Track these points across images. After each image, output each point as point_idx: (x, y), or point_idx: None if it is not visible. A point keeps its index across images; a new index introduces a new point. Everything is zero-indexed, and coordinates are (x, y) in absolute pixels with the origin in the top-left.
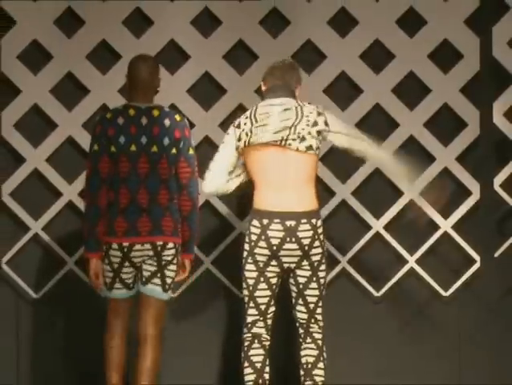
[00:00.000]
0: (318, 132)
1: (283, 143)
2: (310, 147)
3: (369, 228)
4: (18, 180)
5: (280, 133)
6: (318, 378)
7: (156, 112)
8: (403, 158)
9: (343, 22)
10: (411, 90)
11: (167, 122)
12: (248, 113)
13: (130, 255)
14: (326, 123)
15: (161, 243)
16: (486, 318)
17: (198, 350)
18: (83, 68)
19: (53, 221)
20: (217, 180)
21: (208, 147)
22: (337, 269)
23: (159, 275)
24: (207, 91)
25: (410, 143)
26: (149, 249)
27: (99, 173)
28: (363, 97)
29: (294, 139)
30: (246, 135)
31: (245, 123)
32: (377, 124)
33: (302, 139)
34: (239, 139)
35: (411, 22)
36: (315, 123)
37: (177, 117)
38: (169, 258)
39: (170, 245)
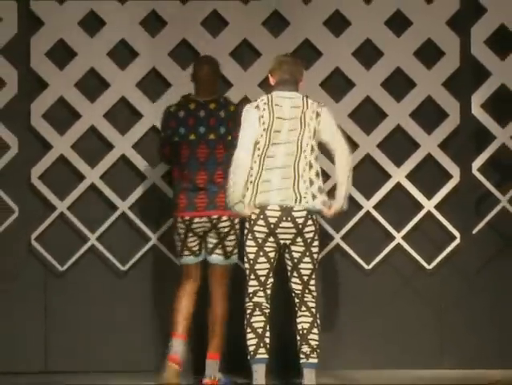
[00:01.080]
0: (319, 123)
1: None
2: (310, 138)
3: (360, 207)
4: (46, 164)
5: (291, 123)
6: (312, 342)
7: (212, 105)
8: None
9: (337, 23)
10: (398, 84)
11: (222, 113)
12: (264, 100)
13: (191, 227)
14: (322, 117)
15: (216, 216)
16: (465, 288)
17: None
18: (104, 64)
19: (77, 202)
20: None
21: None
22: (332, 244)
23: (220, 246)
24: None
25: (397, 132)
26: (206, 222)
27: (165, 156)
28: (355, 90)
29: (295, 129)
30: (263, 122)
31: (263, 109)
32: (368, 114)
33: (305, 126)
34: (260, 121)
35: (398, 23)
36: (318, 115)
37: (231, 108)
38: (226, 230)
39: (224, 218)
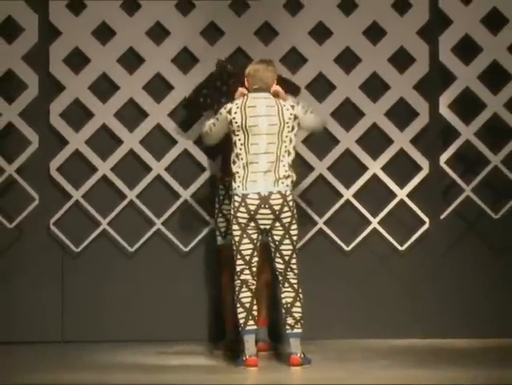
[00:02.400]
0: (295, 117)
1: (270, 128)
2: (290, 131)
3: (341, 196)
4: (63, 158)
5: (270, 119)
6: (296, 315)
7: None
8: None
9: (320, 33)
10: (374, 87)
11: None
12: (238, 104)
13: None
14: (296, 112)
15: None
16: (434, 267)
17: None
18: (115, 69)
19: (90, 191)
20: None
21: None
22: (315, 228)
23: None
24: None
25: (374, 129)
26: None
27: None
28: (336, 92)
29: (275, 124)
30: (236, 122)
31: (235, 112)
32: (347, 114)
33: (285, 124)
34: (230, 123)
35: (374, 32)
36: (296, 117)
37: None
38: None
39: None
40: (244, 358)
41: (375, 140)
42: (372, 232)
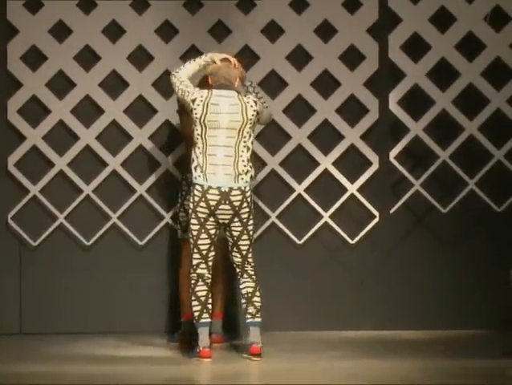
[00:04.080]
0: (257, 114)
1: (232, 124)
2: (251, 127)
3: (293, 190)
4: (20, 153)
5: (233, 116)
6: (257, 304)
7: None
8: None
9: (272, 31)
10: (325, 83)
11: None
12: (203, 98)
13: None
14: (258, 108)
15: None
16: (383, 260)
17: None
18: (72, 67)
19: (47, 186)
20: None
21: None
22: (268, 222)
23: None
24: (168, 84)
25: (325, 125)
26: None
27: None
28: (288, 89)
29: (237, 121)
30: (195, 113)
31: (198, 104)
32: (299, 110)
33: (248, 121)
34: (191, 111)
35: (325, 30)
36: (258, 113)
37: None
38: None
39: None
40: (198, 350)
41: (326, 136)
42: (324, 225)
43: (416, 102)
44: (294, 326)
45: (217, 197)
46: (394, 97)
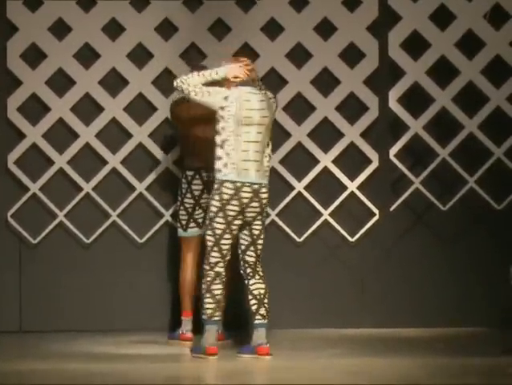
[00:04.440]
0: (276, 109)
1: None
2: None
3: (293, 188)
4: (20, 151)
5: (262, 112)
6: (267, 306)
7: None
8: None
9: (272, 29)
10: (325, 81)
11: None
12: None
13: (200, 201)
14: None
15: None
16: (382, 257)
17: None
18: (71, 65)
19: (47, 183)
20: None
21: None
22: (268, 220)
23: None
24: (172, 81)
25: (325, 123)
26: None
27: None
28: (287, 87)
29: (266, 117)
30: (228, 110)
31: (232, 102)
32: (299, 108)
33: (272, 115)
34: (224, 109)
35: (325, 28)
36: (274, 103)
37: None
38: None
39: None
40: (204, 347)
41: (326, 134)
42: (323, 223)
43: (415, 100)
44: (294, 324)
45: (250, 195)
46: (394, 95)
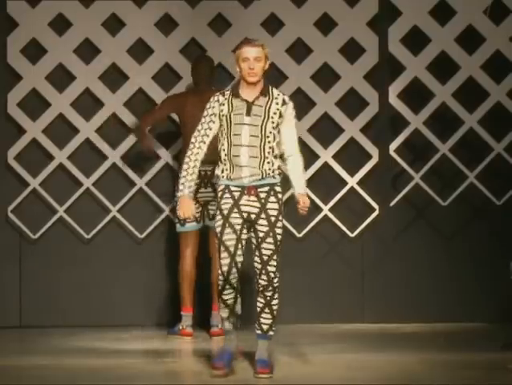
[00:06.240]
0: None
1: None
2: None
3: None
4: (20, 147)
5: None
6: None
7: None
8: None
9: (272, 24)
10: (325, 77)
11: None
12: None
13: (196, 196)
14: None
15: None
16: (383, 253)
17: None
18: (71, 60)
19: (47, 179)
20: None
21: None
22: None
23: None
24: (172, 76)
25: (325, 118)
26: (210, 192)
27: None
28: (287, 82)
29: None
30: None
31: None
32: (299, 103)
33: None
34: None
35: (325, 24)
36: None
37: None
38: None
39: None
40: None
41: (326, 129)
42: (324, 218)
43: (415, 95)
44: (295, 319)
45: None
46: (394, 90)
